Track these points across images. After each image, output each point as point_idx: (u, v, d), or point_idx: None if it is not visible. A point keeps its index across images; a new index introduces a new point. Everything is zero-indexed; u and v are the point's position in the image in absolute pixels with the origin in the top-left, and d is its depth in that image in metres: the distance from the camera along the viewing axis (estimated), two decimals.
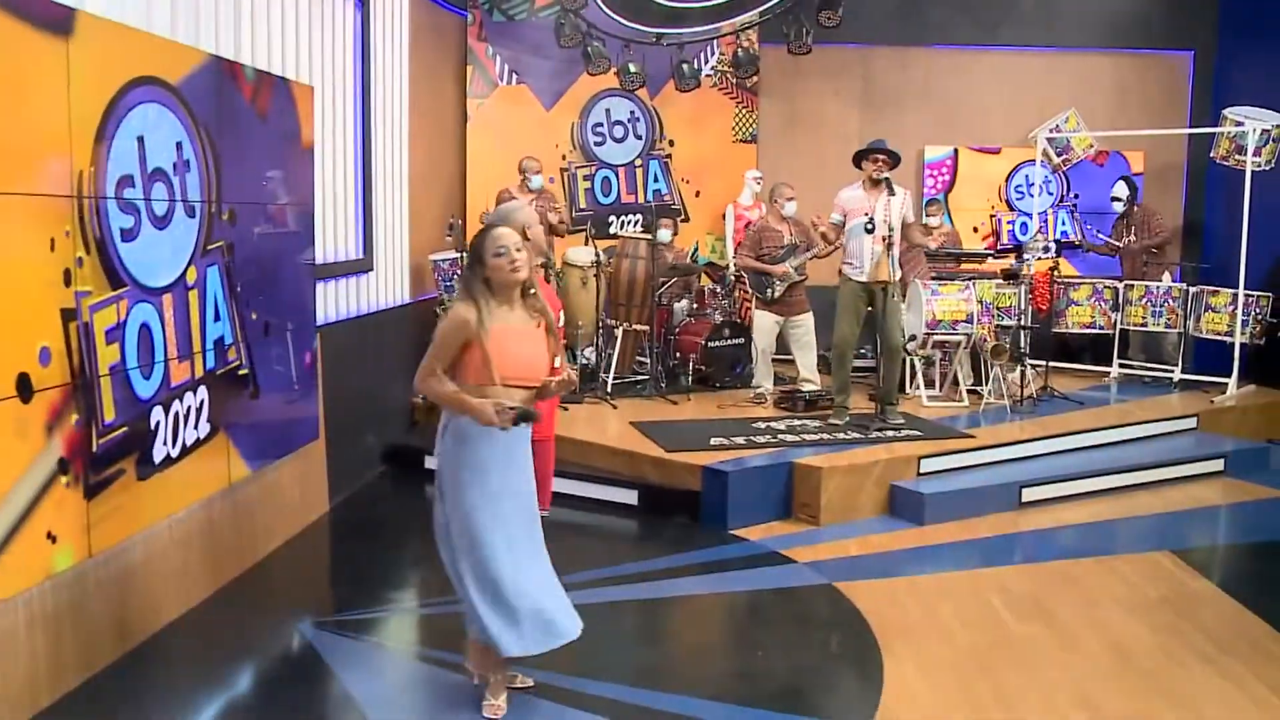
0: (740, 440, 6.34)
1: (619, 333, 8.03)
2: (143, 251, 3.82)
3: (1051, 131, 8.99)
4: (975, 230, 9.86)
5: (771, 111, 9.90)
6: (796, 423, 6.89)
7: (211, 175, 4.29)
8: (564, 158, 9.19)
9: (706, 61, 9.51)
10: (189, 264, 4.16)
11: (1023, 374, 7.53)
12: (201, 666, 3.97)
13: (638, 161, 9.49)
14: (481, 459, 3.31)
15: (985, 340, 7.50)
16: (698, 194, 9.73)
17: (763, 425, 6.77)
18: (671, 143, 9.60)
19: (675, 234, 8.82)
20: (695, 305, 8.59)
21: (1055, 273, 7.84)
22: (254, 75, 4.72)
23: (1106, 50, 9.69)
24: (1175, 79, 9.79)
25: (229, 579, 4.73)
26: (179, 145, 4.04)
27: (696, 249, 9.62)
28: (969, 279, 7.93)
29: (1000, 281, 7.89)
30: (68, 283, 3.41)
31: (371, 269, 6.70)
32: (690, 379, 8.16)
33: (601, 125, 9.33)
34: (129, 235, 3.74)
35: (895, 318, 6.59)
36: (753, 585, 4.92)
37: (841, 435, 6.51)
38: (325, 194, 6.00)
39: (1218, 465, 6.85)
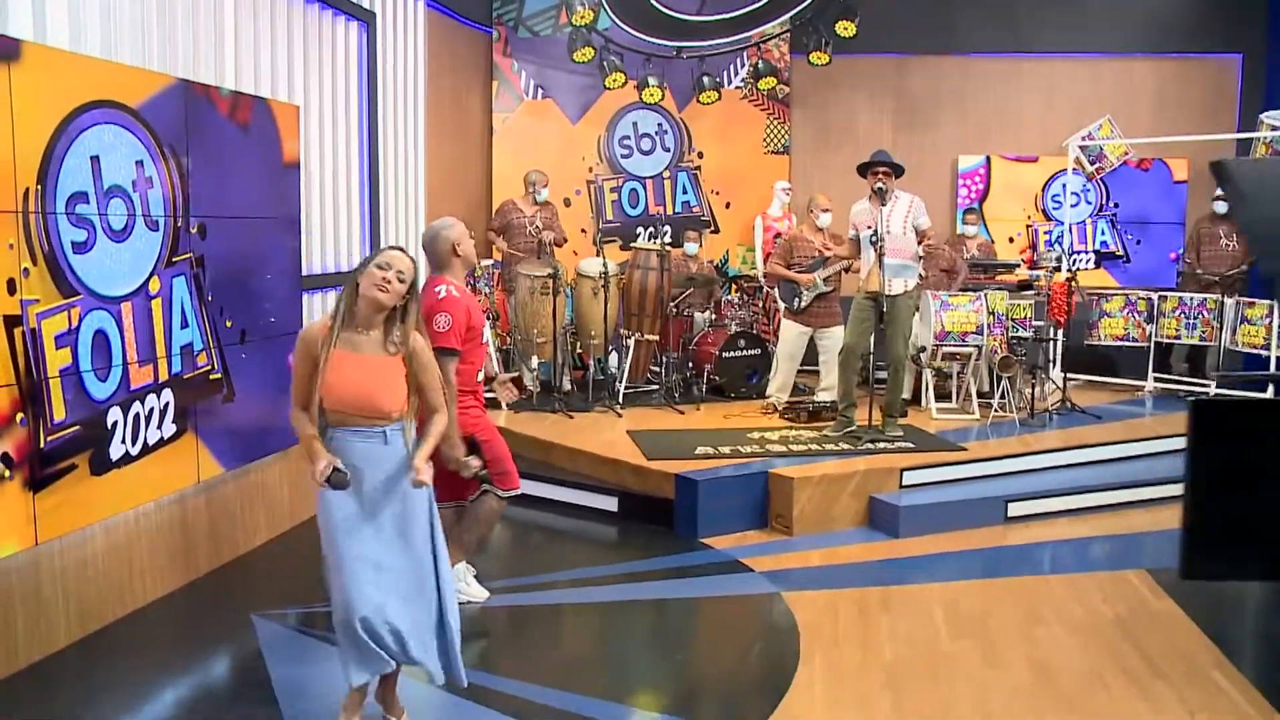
0: (725, 449, 6.39)
1: (631, 342, 8.15)
2: (98, 263, 4.11)
3: (1084, 139, 8.78)
4: (1011, 241, 9.68)
5: (804, 122, 9.91)
6: (794, 433, 6.89)
7: (177, 191, 4.57)
8: (590, 170, 9.36)
9: (737, 73, 9.57)
10: (151, 274, 4.44)
11: (1033, 387, 7.39)
12: (151, 651, 4.22)
13: (666, 173, 9.60)
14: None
15: (995, 352, 7.39)
16: (728, 205, 9.80)
17: (757, 435, 6.80)
18: (700, 154, 9.69)
19: (701, 246, 8.92)
20: (714, 316, 8.65)
21: (1073, 284, 7.66)
22: (229, 96, 5.00)
23: (1148, 55, 9.42)
24: (1222, 83, 9.45)
25: (203, 572, 5.01)
26: (139, 164, 4.33)
27: (726, 259, 9.69)
28: (995, 289, 7.82)
29: (1013, 292, 7.75)
30: (12, 291, 3.70)
31: None
32: (704, 389, 8.24)
33: (629, 138, 9.48)
34: (82, 248, 4.02)
35: (899, 328, 6.54)
36: (700, 592, 4.98)
37: (831, 446, 6.50)
38: (325, 207, 6.30)
39: None
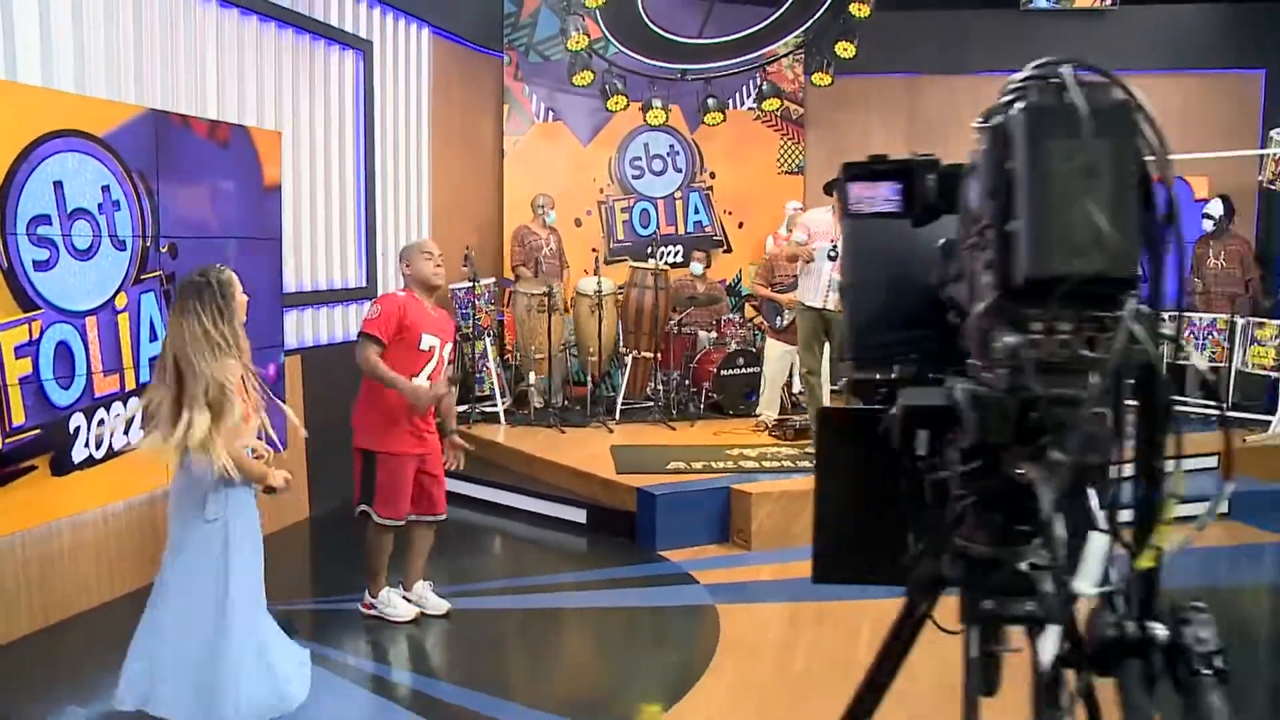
0: (698, 465, 6.50)
1: (629, 360, 8.32)
2: (60, 280, 4.44)
3: None
4: None
5: (818, 142, 9.97)
6: (773, 450, 6.97)
7: (146, 213, 4.90)
8: (601, 191, 9.57)
9: (750, 94, 9.69)
10: (118, 291, 4.77)
11: None
12: (110, 642, 4.51)
13: (677, 194, 9.75)
14: None
15: None
16: (741, 225, 9.91)
17: (735, 451, 6.90)
18: (712, 175, 9.82)
19: (708, 266, 9.07)
20: (716, 335, 8.77)
21: None
22: (205, 124, 5.33)
23: (1168, 72, 9.26)
24: (1245, 100, 9.25)
25: None
26: (105, 188, 4.66)
27: (739, 279, 9.80)
28: None
29: None
30: None
31: (375, 296, 7.26)
32: (702, 406, 8.35)
33: (640, 159, 9.66)
34: (43, 265, 4.36)
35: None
36: (638, 602, 5.11)
37: (805, 464, 6.56)
38: (317, 229, 6.61)
39: (1221, 507, 6.45)
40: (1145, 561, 1.28)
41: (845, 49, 8.24)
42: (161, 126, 5.01)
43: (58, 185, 4.42)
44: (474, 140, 8.91)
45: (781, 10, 8.41)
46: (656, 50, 8.65)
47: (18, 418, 4.28)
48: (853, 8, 7.97)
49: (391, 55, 7.45)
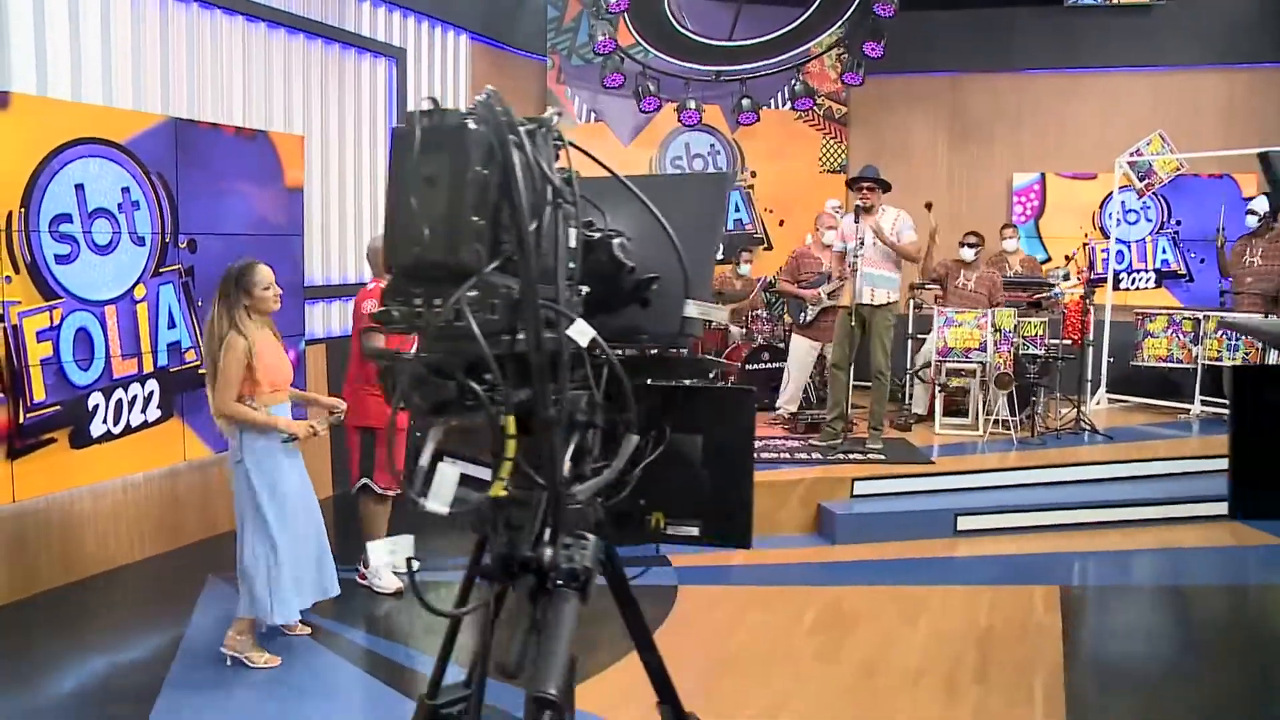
0: None
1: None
2: (81, 273, 4.97)
3: (1133, 155, 8.54)
4: (1067, 260, 9.46)
5: (860, 141, 10.05)
6: (779, 442, 7.15)
7: (165, 212, 5.40)
8: None
9: (786, 96, 9.81)
10: (137, 283, 5.28)
11: (1033, 405, 7.33)
12: (121, 599, 5.03)
13: None
14: None
15: (997, 368, 7.37)
16: (781, 223, 10.05)
17: None
18: (754, 174, 9.99)
19: (735, 264, 9.26)
20: (745, 330, 8.96)
21: (1088, 302, 7.51)
22: (228, 129, 5.81)
23: (1215, 67, 9.04)
24: None
25: (192, 539, 5.82)
26: (126, 190, 5.17)
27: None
28: (1008, 306, 7.79)
29: (1022, 310, 7.68)
30: None
31: None
32: None
33: (681, 158, 9.90)
34: (65, 259, 4.89)
35: (877, 340, 6.69)
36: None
37: (803, 455, 6.72)
38: (347, 225, 7.08)
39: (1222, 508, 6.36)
40: (495, 491, 1.54)
41: (874, 49, 8.28)
42: (182, 133, 5.50)
43: (79, 188, 4.93)
44: None
45: (809, 11, 8.53)
46: (691, 53, 8.86)
47: (39, 395, 4.80)
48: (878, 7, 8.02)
49: (426, 62, 7.88)
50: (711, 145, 9.93)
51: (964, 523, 6.08)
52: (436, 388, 1.45)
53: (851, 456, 6.65)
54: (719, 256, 9.56)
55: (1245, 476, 2.08)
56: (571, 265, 1.53)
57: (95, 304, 5.07)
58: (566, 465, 1.59)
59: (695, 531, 1.95)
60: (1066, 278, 7.64)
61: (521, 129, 1.46)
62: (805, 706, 3.92)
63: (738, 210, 10.00)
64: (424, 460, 1.53)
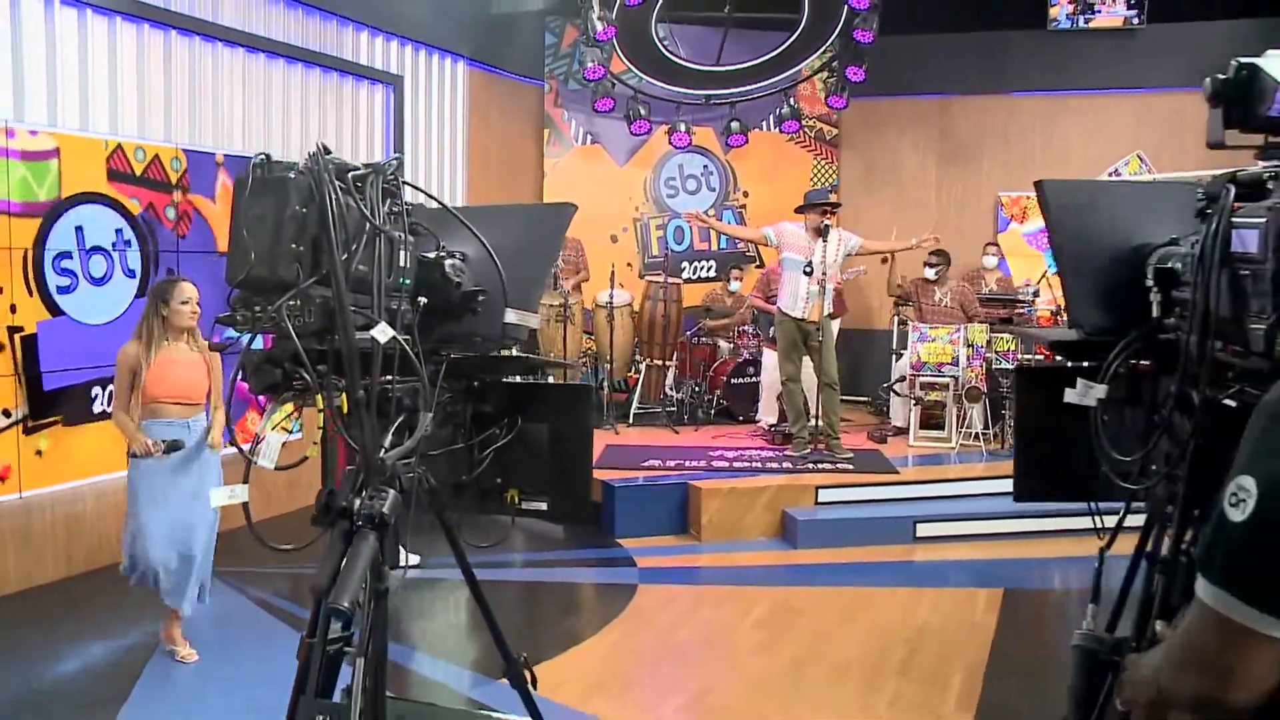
0: (671, 463, 7.03)
1: (643, 367, 8.90)
2: (80, 300, 5.44)
3: (1110, 174, 8.76)
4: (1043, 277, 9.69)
5: (851, 162, 10.34)
6: (754, 452, 7.43)
7: (150, 246, 5.83)
8: (636, 209, 10.19)
9: (779, 118, 10.13)
10: (129, 308, 5.71)
11: (1004, 417, 7.56)
12: (123, 592, 5.40)
13: (711, 212, 10.26)
14: None
15: (968, 383, 7.62)
16: None
17: (715, 453, 7.39)
18: (746, 193, 10.31)
19: (726, 281, 9.57)
20: (733, 345, 9.25)
21: (1059, 317, 7.73)
22: (215, 157, 6.23)
23: (1195, 89, 9.04)
24: None
25: None
26: (119, 230, 5.62)
27: None
28: (981, 323, 8.04)
29: (994, 326, 7.92)
30: (13, 312, 5.04)
31: None
32: (712, 412, 8.85)
33: (674, 179, 10.24)
34: (65, 289, 5.37)
35: (830, 353, 7.02)
36: (573, 579, 5.70)
37: (774, 465, 7.01)
38: None
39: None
40: (310, 452, 1.93)
41: (855, 73, 8.58)
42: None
43: (78, 229, 5.40)
44: (513, 163, 9.67)
45: (794, 37, 8.84)
46: (680, 78, 9.20)
47: (49, 384, 5.27)
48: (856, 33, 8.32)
49: (424, 88, 8.28)
50: (705, 166, 10.25)
51: (923, 529, 6.33)
52: (267, 373, 1.79)
53: (821, 466, 6.92)
54: (711, 274, 9.90)
55: (1025, 466, 2.34)
56: (405, 281, 1.86)
57: (91, 326, 5.52)
58: (388, 437, 1.91)
59: (544, 506, 2.27)
60: (1037, 295, 7.87)
61: (350, 175, 1.79)
62: (733, 693, 4.20)
63: None
64: (260, 429, 1.87)
